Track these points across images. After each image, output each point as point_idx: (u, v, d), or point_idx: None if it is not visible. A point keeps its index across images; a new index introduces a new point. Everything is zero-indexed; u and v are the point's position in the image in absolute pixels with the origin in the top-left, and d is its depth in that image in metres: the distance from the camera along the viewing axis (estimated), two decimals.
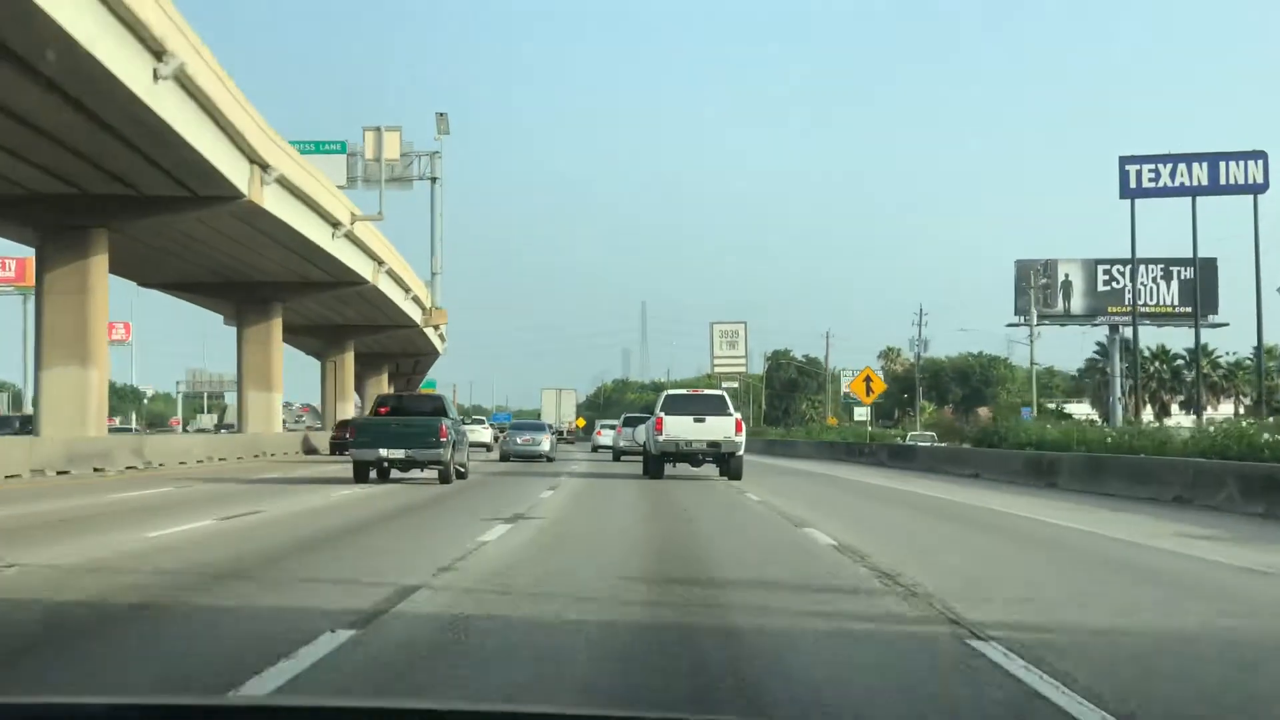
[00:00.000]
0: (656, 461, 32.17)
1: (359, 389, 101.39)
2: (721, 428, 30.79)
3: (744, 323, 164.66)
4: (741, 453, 31.60)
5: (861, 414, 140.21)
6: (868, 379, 57.83)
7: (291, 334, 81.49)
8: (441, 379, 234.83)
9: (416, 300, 75.39)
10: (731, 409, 31.66)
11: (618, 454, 50.13)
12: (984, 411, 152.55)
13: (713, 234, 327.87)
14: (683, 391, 35.43)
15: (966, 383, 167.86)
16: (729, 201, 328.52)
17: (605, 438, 62.65)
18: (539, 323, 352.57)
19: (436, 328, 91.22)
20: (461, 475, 30.54)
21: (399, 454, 28.44)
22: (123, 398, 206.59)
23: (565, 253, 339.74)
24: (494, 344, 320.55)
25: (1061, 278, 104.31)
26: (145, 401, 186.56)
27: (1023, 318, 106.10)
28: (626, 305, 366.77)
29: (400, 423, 28.95)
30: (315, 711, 3.29)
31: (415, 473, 30.30)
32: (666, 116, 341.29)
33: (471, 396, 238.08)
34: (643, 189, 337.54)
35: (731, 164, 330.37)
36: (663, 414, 31.27)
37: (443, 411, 30.24)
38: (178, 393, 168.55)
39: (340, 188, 78.47)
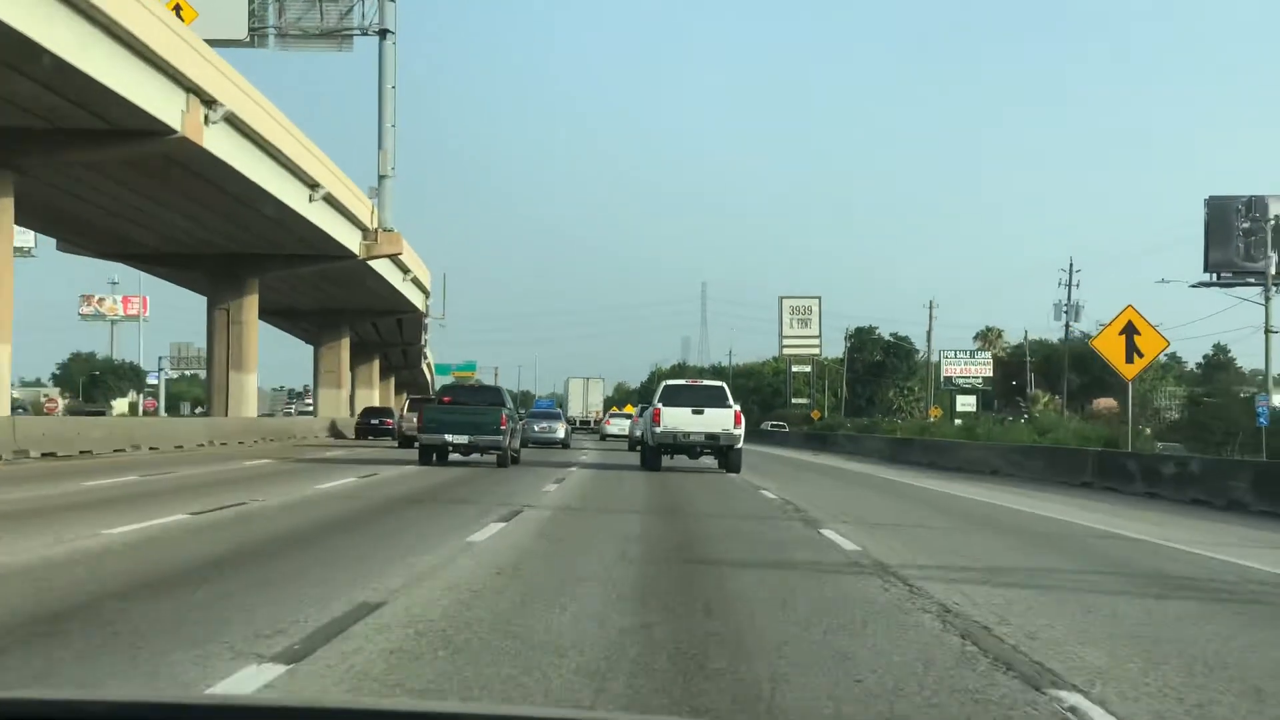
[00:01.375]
0: (654, 453, 30.69)
1: (316, 358, 73.31)
2: (720, 420, 29.56)
3: (818, 298, 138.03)
4: (740, 445, 30.11)
5: (966, 404, 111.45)
6: (1129, 329, 28.78)
7: (150, 261, 53.56)
8: (483, 361, 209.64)
9: (337, 207, 46.93)
10: (731, 401, 30.32)
11: (633, 443, 45.74)
12: (1105, 403, 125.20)
13: (780, 209, 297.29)
14: (682, 382, 34.06)
15: (1085, 370, 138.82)
16: (797, 173, 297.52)
17: (614, 426, 62.34)
18: (594, 305, 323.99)
19: (403, 269, 62.71)
20: (515, 460, 31.13)
21: (462, 440, 29.38)
22: (122, 377, 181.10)
23: (623, 233, 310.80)
24: (545, 327, 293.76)
25: (1271, 220, 74.75)
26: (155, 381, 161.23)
27: (1216, 274, 76.58)
28: (687, 287, 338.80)
29: (465, 411, 30.01)
30: (315, 712, 2.99)
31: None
32: (733, 86, 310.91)
33: (519, 382, 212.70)
34: (703, 163, 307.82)
35: (801, 131, 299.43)
36: (661, 405, 29.97)
37: (501, 402, 31.04)
38: (160, 370, 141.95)
39: (237, 44, 50.59)
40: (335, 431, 59.30)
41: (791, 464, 40.85)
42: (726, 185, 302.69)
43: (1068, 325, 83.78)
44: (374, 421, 57.39)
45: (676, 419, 29.53)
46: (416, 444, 33.64)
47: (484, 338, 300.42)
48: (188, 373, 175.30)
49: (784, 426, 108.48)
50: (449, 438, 29.50)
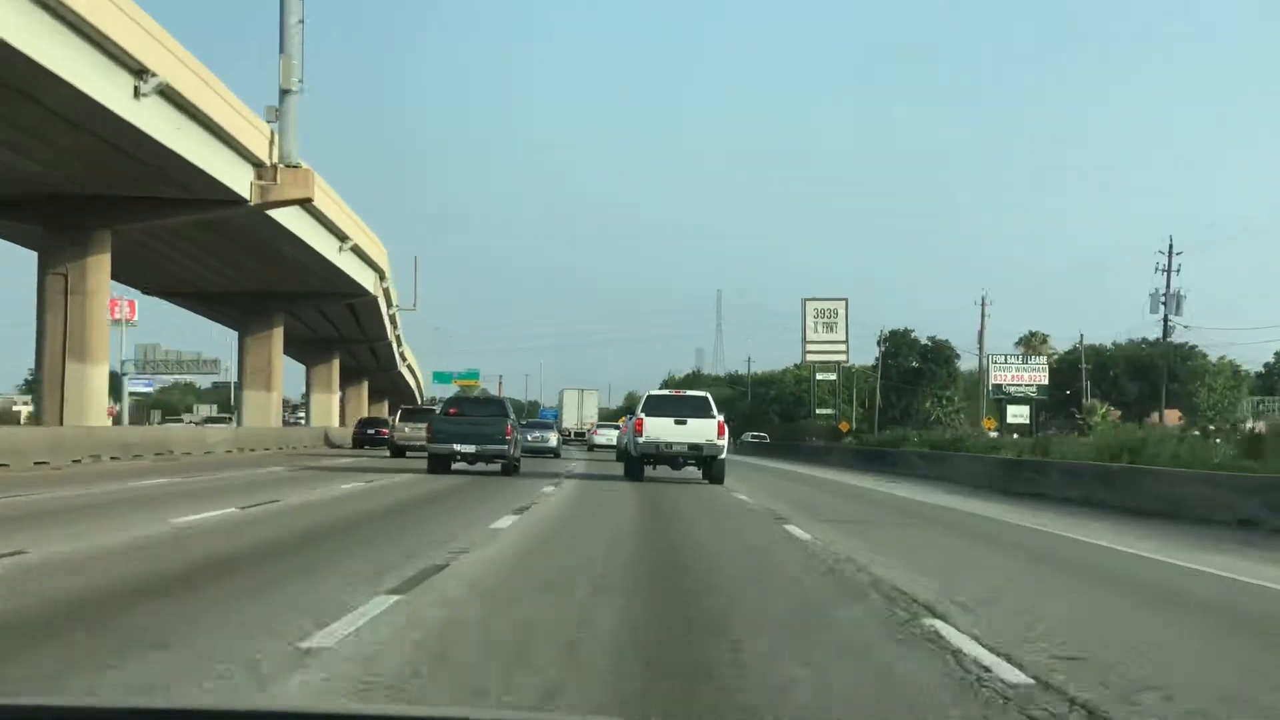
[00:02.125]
0: (637, 463, 29.74)
1: (240, 351, 58.04)
2: (703, 430, 28.76)
3: (844, 300, 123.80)
4: (724, 456, 29.14)
5: (1017, 414, 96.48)
6: None
7: None
8: (486, 369, 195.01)
9: (199, 119, 31.68)
10: (715, 411, 29.51)
11: (620, 454, 40.93)
12: (1171, 415, 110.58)
13: (801, 211, 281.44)
14: (665, 392, 33.22)
15: (1144, 377, 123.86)
16: (819, 174, 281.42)
17: (602, 436, 61.83)
18: (605, 314, 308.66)
19: (336, 234, 47.54)
20: (517, 468, 31.31)
21: (470, 449, 29.85)
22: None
23: (635, 238, 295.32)
24: (553, 335, 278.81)
25: None
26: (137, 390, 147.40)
27: None
28: (701, 294, 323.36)
29: (471, 422, 30.37)
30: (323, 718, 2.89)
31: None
32: (748, 86, 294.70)
33: (526, 391, 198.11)
34: (718, 162, 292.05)
35: (821, 129, 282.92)
36: (643, 415, 29.35)
37: (506, 414, 31.49)
38: (123, 374, 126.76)
39: None
40: (330, 442, 58.06)
41: (870, 501, 25.57)
42: (742, 186, 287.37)
43: (1166, 319, 68.01)
44: (370, 431, 57.49)
45: (659, 429, 28.82)
46: (406, 454, 39.30)
47: (490, 346, 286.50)
48: (184, 379, 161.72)
49: (765, 438, 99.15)
50: (457, 447, 29.98)
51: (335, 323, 66.67)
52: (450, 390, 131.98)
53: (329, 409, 72.68)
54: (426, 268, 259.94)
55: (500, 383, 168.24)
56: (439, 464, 30.28)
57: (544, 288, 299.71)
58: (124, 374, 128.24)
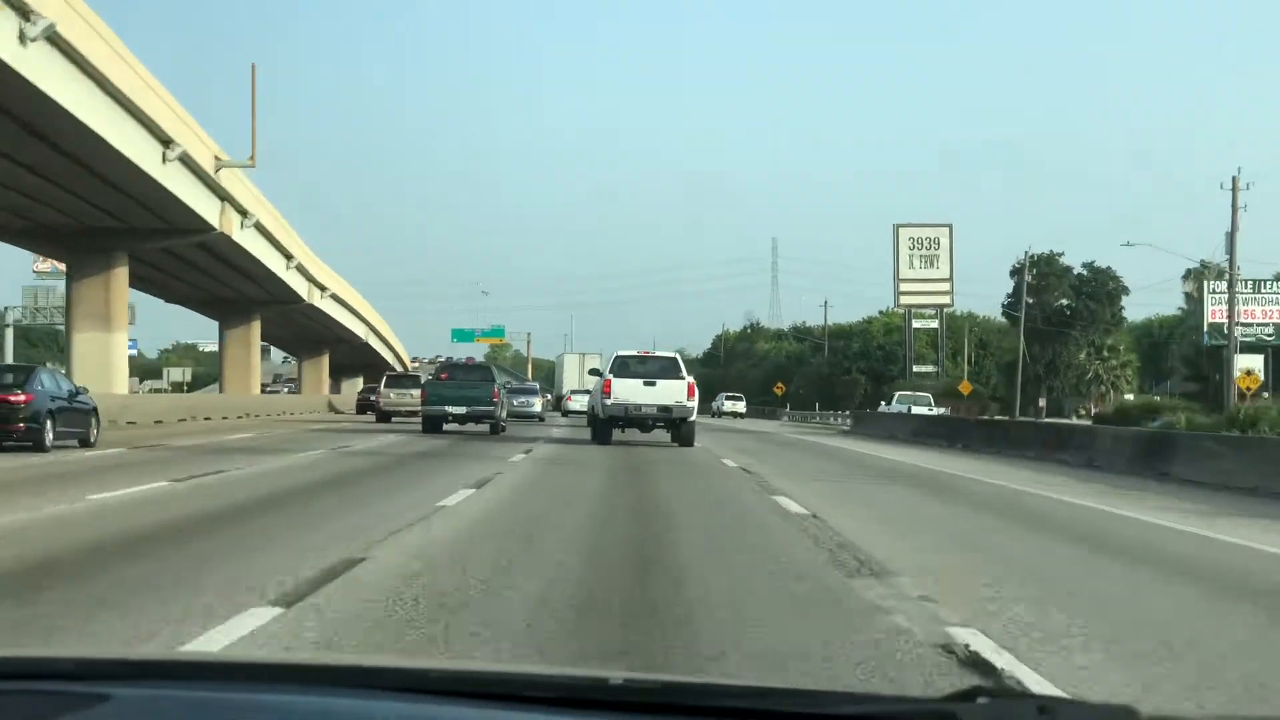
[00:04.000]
0: (605, 426, 28.58)
1: None
2: (672, 392, 27.72)
3: (948, 226, 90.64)
4: (693, 418, 27.98)
5: (1247, 366, 61.09)
6: None
7: None
8: (522, 327, 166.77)
9: None
10: (684, 372, 28.65)
11: (590, 419, 40.77)
12: None
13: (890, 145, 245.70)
14: (633, 353, 31.33)
15: None
16: (888, 104, 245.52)
17: (575, 403, 57.98)
18: (653, 267, 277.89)
19: None
20: (503, 429, 33.48)
21: (460, 411, 31.93)
22: (34, 344, 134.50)
23: (683, 185, 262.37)
24: (597, 292, 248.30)
25: None
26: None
27: None
28: (756, 244, 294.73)
29: (461, 386, 32.50)
30: (294, 669, 2.52)
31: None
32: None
33: (564, 347, 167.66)
34: (779, 110, 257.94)
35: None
36: (611, 376, 28.22)
37: (493, 379, 33.68)
38: (8, 323, 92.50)
39: None
40: (331, 408, 60.24)
41: None
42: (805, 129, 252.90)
43: None
44: (373, 398, 53.32)
45: (627, 391, 27.71)
46: (392, 419, 41.82)
47: (530, 302, 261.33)
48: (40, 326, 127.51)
49: (740, 399, 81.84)
50: (449, 409, 31.76)
51: (58, 180, 31.04)
52: (476, 348, 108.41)
53: (105, 354, 37.59)
54: (467, 224, 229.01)
55: (529, 340, 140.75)
56: (432, 424, 31.98)
57: (584, 242, 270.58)
58: (6, 324, 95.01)
